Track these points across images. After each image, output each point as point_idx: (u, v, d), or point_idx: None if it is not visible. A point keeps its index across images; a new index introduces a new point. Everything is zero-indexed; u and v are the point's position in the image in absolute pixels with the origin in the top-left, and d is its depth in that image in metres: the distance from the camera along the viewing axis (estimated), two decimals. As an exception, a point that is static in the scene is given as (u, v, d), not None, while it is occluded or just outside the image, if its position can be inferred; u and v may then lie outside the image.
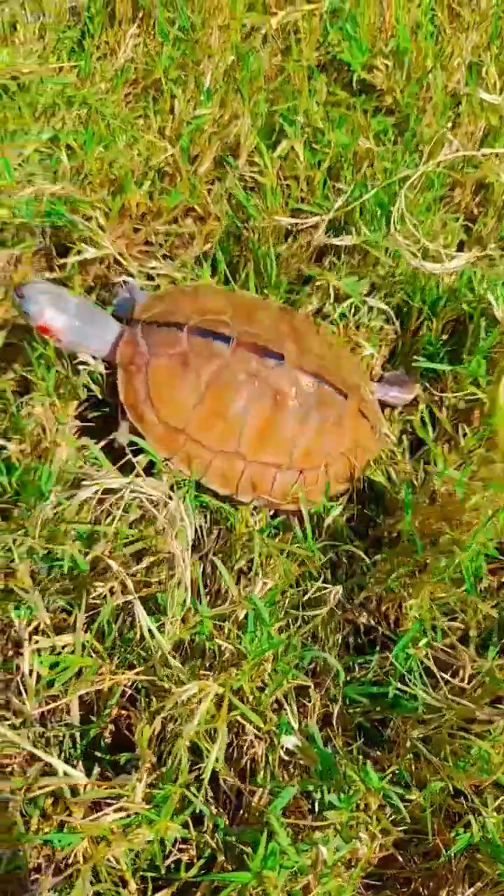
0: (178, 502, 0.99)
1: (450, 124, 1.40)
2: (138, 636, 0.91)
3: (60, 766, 0.75)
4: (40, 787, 0.73)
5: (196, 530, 1.09)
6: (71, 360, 1.15)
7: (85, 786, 0.77)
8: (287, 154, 1.37)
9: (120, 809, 0.77)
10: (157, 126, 1.43)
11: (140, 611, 0.88)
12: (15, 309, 1.16)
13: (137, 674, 0.92)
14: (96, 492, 0.98)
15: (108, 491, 0.99)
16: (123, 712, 0.97)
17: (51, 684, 0.90)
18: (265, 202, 1.32)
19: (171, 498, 0.98)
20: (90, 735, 0.92)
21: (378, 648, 1.06)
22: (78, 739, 0.90)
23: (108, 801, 0.80)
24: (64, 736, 0.90)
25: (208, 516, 1.15)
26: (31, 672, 0.88)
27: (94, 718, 0.93)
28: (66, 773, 0.75)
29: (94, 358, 1.15)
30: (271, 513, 1.19)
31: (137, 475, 1.01)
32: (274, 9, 1.57)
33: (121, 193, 1.33)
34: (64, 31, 1.50)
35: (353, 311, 1.29)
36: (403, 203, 1.24)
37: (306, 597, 1.03)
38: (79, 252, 1.27)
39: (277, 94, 1.47)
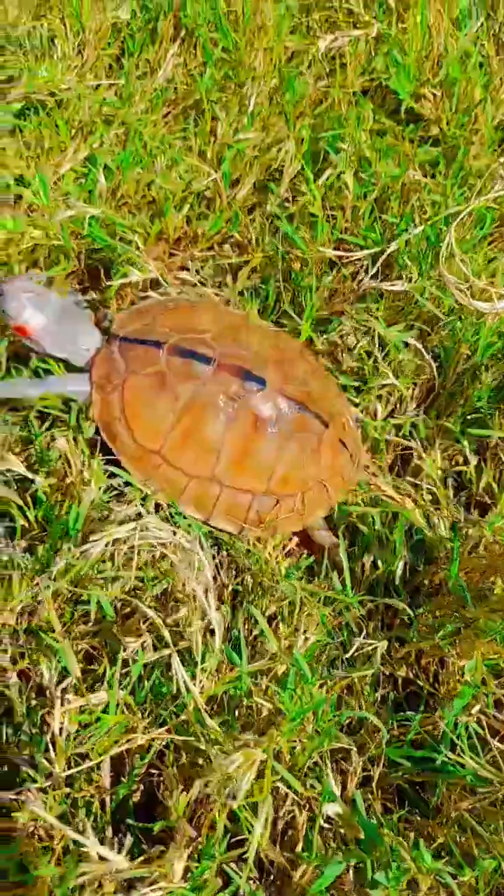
0: (194, 543, 0.96)
1: (502, 158, 1.36)
2: (174, 690, 0.86)
3: (96, 848, 0.70)
4: (77, 877, 0.68)
5: (216, 569, 1.06)
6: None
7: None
8: (332, 183, 1.33)
9: (158, 888, 0.72)
10: (196, 148, 1.40)
11: (178, 665, 0.84)
12: None
13: (169, 730, 0.87)
14: (106, 543, 0.94)
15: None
16: (153, 770, 0.92)
17: (78, 738, 0.85)
18: (310, 232, 1.28)
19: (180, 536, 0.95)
20: (119, 796, 0.87)
21: (422, 708, 1.01)
22: (108, 802, 0.86)
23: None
24: (93, 797, 0.85)
25: (223, 553, 1.11)
26: (60, 730, 0.83)
27: (122, 778, 0.88)
28: (101, 857, 0.70)
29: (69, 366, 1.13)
30: (286, 550, 1.16)
31: (141, 518, 0.96)
32: (319, 32, 1.55)
33: (160, 217, 1.30)
34: (104, 49, 1.47)
35: (384, 350, 1.26)
36: (452, 239, 1.20)
37: (349, 654, 0.99)
38: (124, 275, 1.23)
39: (322, 120, 1.44)
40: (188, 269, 1.38)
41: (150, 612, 0.89)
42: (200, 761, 0.86)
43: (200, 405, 1.07)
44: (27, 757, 0.85)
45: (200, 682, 0.89)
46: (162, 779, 0.90)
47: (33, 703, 0.91)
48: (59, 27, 1.43)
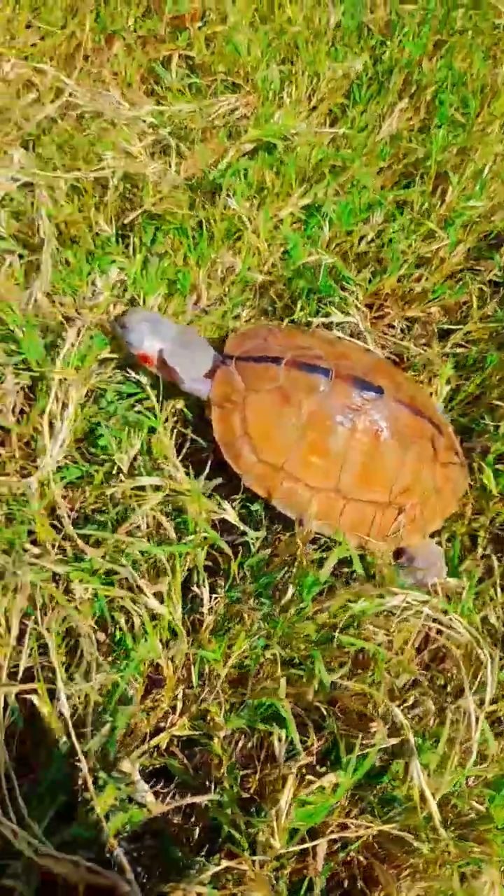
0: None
1: None
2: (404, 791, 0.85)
3: None
4: None
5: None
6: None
7: None
8: None
9: None
10: (418, 207, 1.41)
11: (418, 773, 0.82)
12: (117, 340, 1.16)
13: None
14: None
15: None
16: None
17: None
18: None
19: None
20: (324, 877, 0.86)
21: None
22: (317, 884, 0.85)
23: None
24: (303, 878, 0.85)
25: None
26: (286, 806, 0.83)
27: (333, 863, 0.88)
28: None
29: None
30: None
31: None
32: None
33: (383, 275, 1.31)
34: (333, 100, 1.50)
35: None
36: None
37: None
38: (327, 314, 1.24)
39: None
40: (394, 327, 1.39)
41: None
42: (414, 860, 0.85)
43: (323, 417, 1.07)
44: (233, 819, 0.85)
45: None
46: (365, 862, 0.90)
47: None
48: (298, 73, 1.46)
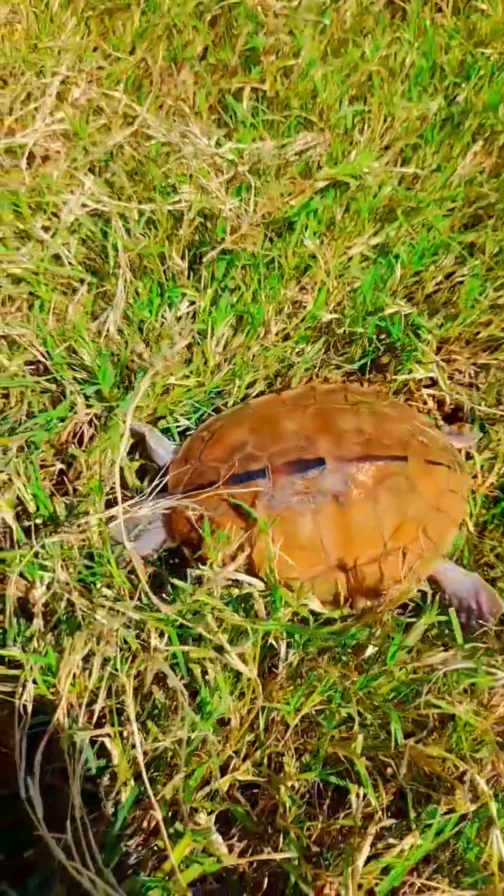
0: None
1: None
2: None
3: None
4: None
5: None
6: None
7: None
8: None
9: None
10: (489, 252, 1.43)
11: (498, 841, 0.83)
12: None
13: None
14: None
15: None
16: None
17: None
18: None
19: None
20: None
21: None
22: None
23: None
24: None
25: None
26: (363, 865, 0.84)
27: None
28: None
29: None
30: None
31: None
32: None
33: (453, 321, 1.33)
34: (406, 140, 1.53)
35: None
36: None
37: None
38: (409, 371, 1.27)
39: None
40: (461, 372, 1.41)
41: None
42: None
43: (279, 517, 1.09)
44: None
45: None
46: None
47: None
48: (373, 112, 1.50)
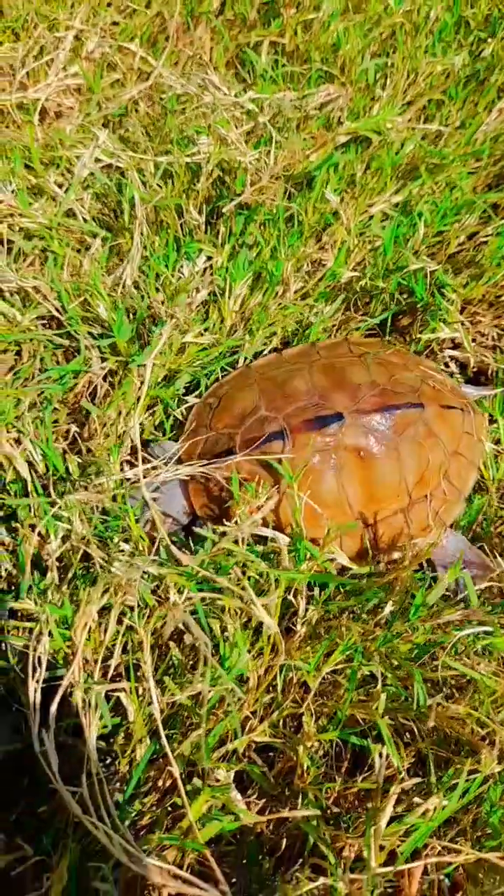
0: None
1: None
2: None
3: None
4: None
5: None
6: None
7: None
8: None
9: None
10: (515, 211, 1.40)
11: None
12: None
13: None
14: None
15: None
16: None
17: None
18: None
19: None
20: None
21: None
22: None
23: None
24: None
25: None
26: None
27: None
28: None
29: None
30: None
31: None
32: None
33: (478, 280, 1.30)
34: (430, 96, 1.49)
35: None
36: None
37: None
38: (433, 330, 1.23)
39: None
40: (484, 335, 1.37)
41: None
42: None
43: (304, 477, 1.06)
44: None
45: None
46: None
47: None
48: (396, 67, 1.46)
